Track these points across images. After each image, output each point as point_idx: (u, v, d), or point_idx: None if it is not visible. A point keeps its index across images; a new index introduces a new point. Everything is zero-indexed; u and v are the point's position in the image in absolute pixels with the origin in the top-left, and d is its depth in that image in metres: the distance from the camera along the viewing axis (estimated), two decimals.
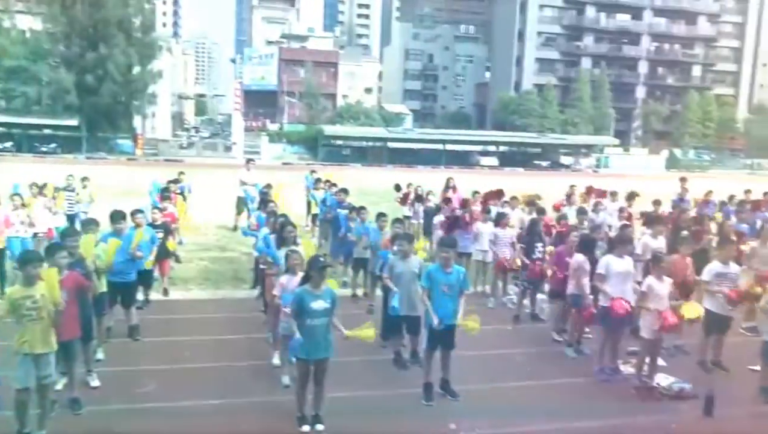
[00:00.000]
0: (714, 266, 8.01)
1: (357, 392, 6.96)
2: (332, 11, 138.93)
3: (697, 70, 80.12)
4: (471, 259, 11.32)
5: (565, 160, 65.79)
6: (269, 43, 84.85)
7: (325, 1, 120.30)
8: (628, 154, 71.11)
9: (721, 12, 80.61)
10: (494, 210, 11.94)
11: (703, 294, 8.08)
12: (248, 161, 18.72)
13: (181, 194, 14.22)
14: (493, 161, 62.22)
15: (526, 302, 10.19)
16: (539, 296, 10.17)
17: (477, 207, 12.32)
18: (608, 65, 75.72)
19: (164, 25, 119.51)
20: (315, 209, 15.09)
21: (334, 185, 15.07)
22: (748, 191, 15.95)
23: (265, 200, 11.48)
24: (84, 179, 14.74)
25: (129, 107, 54.68)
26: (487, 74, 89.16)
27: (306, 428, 6.03)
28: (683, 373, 7.57)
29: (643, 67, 78.84)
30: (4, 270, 10.12)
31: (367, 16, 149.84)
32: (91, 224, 7.70)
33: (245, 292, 10.95)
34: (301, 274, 6.40)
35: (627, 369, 7.79)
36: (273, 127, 68.75)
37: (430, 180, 18.89)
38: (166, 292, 10.54)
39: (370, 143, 62.92)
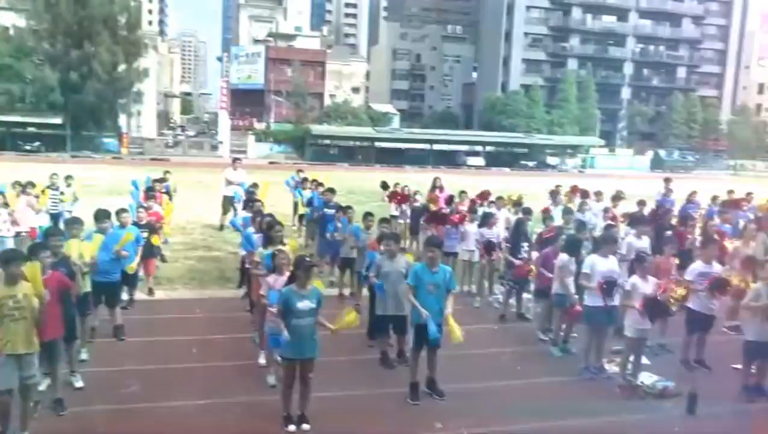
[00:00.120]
0: (697, 266, 8.09)
1: (343, 392, 6.95)
2: (320, 10, 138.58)
3: (681, 72, 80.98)
4: (457, 259, 11.35)
5: (551, 160, 66.24)
6: (256, 41, 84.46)
7: (313, 0, 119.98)
8: (613, 154, 71.70)
9: (706, 14, 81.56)
10: (480, 210, 12.00)
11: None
12: (235, 160, 18.66)
13: (167, 193, 14.13)
14: (480, 161, 62.52)
15: (512, 301, 10.24)
16: (525, 295, 10.23)
17: (464, 207, 12.36)
18: (594, 66, 76.33)
19: (150, 23, 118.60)
20: (302, 209, 15.04)
21: (321, 184, 15.05)
22: (731, 192, 16.13)
23: (251, 200, 11.42)
24: (68, 177, 14.61)
25: (114, 106, 54.24)
26: (474, 74, 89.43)
27: (292, 428, 6.02)
28: (667, 372, 7.64)
29: (628, 69, 79.53)
30: None
31: (354, 16, 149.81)
32: (75, 223, 7.62)
33: (231, 291, 10.89)
34: (287, 274, 6.39)
35: (611, 367, 7.84)
36: (260, 126, 68.51)
37: (417, 180, 18.95)
38: (151, 292, 10.47)
39: (358, 143, 62.96)
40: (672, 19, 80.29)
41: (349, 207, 11.01)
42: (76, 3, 50.62)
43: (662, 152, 72.27)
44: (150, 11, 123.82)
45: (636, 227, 10.46)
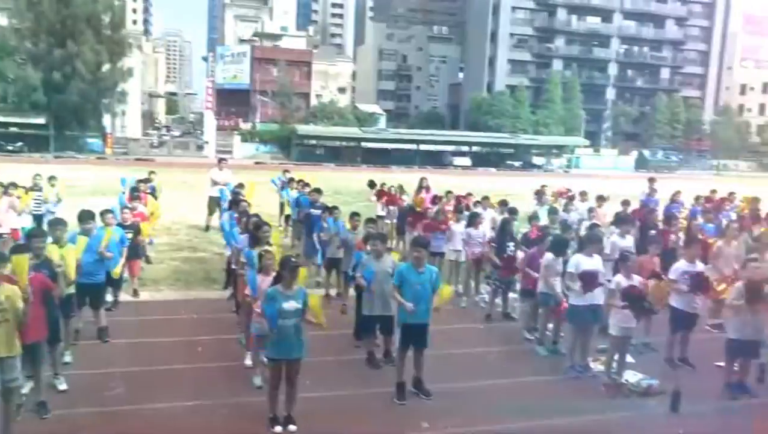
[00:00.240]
0: (680, 265, 8.17)
1: (330, 392, 6.94)
2: (306, 10, 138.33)
3: (665, 73, 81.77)
4: (444, 259, 11.37)
5: (537, 160, 66.55)
6: (242, 41, 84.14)
7: (299, 0, 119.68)
8: (598, 155, 72.21)
9: (689, 16, 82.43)
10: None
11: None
12: (220, 160, 18.56)
13: (152, 193, 14.02)
14: (466, 161, 62.67)
15: (498, 301, 10.28)
16: (511, 295, 10.27)
17: (450, 207, 12.40)
18: (579, 67, 76.83)
19: (134, 22, 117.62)
20: (288, 210, 15.00)
21: (307, 184, 15.02)
22: (713, 191, 16.30)
23: (236, 200, 11.38)
24: (51, 178, 14.45)
25: (98, 105, 53.73)
26: (461, 75, 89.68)
27: (278, 429, 6.00)
28: (651, 370, 7.71)
29: (612, 70, 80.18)
30: None
31: (340, 16, 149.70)
32: (58, 224, 7.54)
33: (217, 292, 10.83)
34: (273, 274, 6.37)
35: (596, 366, 7.90)
36: (245, 126, 68.22)
37: (403, 180, 18.93)
38: (136, 293, 10.38)
39: (344, 143, 62.86)
40: (656, 21, 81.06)
41: (335, 207, 11.01)
42: (59, 2, 50.09)
43: (646, 152, 72.91)
44: (134, 10, 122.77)
45: (620, 226, 10.54)
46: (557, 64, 77.34)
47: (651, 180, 17.13)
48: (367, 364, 7.76)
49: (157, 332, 8.86)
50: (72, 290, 7.23)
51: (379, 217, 14.54)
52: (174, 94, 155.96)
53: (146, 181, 14.64)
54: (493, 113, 70.18)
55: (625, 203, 13.50)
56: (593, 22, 79.77)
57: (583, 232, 11.02)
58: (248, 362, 7.40)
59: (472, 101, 74.13)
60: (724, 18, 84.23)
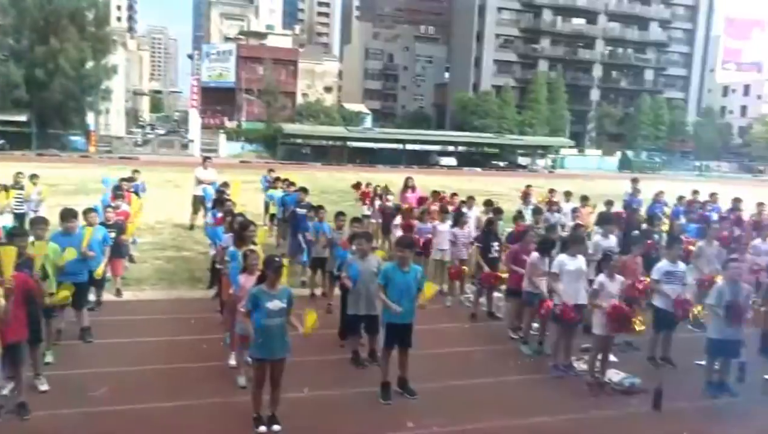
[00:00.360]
0: (663, 265, 8.26)
1: (314, 391, 6.93)
2: (292, 9, 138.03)
3: (649, 74, 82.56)
4: (429, 258, 11.39)
5: (522, 160, 66.94)
6: (227, 39, 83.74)
7: None
8: (583, 155, 72.76)
9: (672, 18, 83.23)
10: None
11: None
12: (205, 159, 18.45)
13: (135, 192, 13.91)
14: (452, 161, 62.92)
15: (483, 300, 10.32)
16: (495, 294, 10.32)
17: (435, 207, 12.43)
18: (564, 68, 77.35)
19: (119, 19, 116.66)
20: (273, 209, 14.95)
21: (293, 184, 14.98)
22: (695, 192, 16.48)
23: (221, 199, 11.31)
24: (33, 176, 14.28)
25: (81, 103, 53.26)
26: (447, 75, 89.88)
27: (263, 429, 5.97)
28: (633, 368, 7.78)
29: (597, 71, 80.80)
30: None
31: (327, 15, 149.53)
32: (40, 223, 7.46)
33: (201, 292, 10.78)
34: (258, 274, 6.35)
35: (580, 365, 7.96)
36: (231, 124, 67.96)
37: (389, 180, 18.97)
38: (119, 293, 10.29)
39: (330, 142, 62.82)
40: (640, 23, 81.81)
41: (321, 207, 10.98)
42: None
43: (630, 153, 73.63)
44: (119, 7, 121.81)
45: (603, 226, 10.62)
46: (543, 65, 77.81)
47: (634, 181, 17.30)
48: (351, 364, 7.76)
49: (141, 332, 8.79)
50: (54, 289, 7.16)
51: (365, 216, 14.54)
52: (159, 92, 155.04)
53: (130, 180, 14.53)
54: (478, 113, 70.46)
55: (609, 203, 13.61)
56: (578, 23, 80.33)
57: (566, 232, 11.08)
58: (232, 362, 7.36)
59: (458, 101, 74.35)
60: (706, 21, 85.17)
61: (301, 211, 12.01)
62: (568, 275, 7.80)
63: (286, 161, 51.83)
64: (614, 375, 7.56)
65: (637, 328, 7.40)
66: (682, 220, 13.48)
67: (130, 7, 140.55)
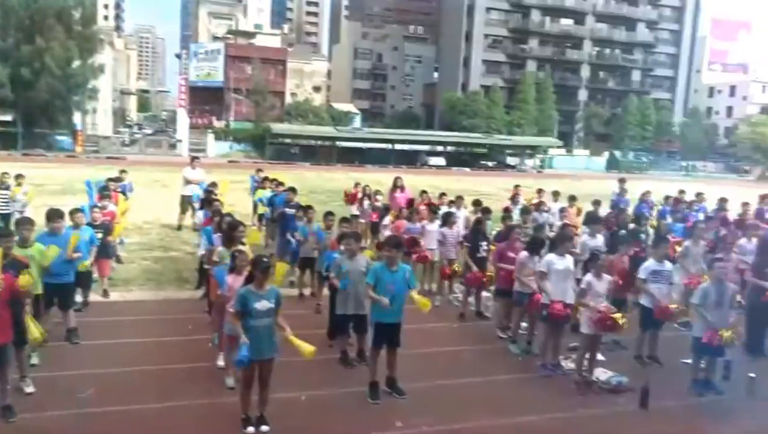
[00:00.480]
0: (649, 264, 8.33)
1: (303, 392, 6.92)
2: (280, 8, 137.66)
3: (636, 75, 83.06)
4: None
5: (510, 160, 67.17)
6: (216, 38, 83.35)
7: None
8: (571, 155, 73.13)
9: (659, 19, 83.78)
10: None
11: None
12: (193, 159, 18.37)
13: (123, 192, 13.82)
14: (441, 161, 63.02)
15: (471, 300, 10.35)
16: (484, 294, 10.36)
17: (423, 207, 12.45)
18: (552, 68, 77.63)
19: (106, 18, 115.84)
20: (261, 209, 14.91)
21: (281, 183, 14.95)
22: (681, 192, 16.60)
23: (209, 199, 11.27)
24: (18, 176, 14.16)
25: (68, 102, 52.77)
26: (436, 75, 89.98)
27: (251, 429, 5.96)
28: (621, 367, 7.84)
29: (585, 71, 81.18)
30: None
31: (315, 14, 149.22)
32: (26, 223, 7.39)
33: (189, 292, 10.73)
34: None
35: (568, 364, 8.00)
36: (219, 124, 67.65)
37: (378, 179, 18.98)
38: (106, 293, 10.22)
39: (319, 142, 62.70)
40: (627, 24, 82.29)
41: (309, 207, 10.96)
42: None
43: (617, 153, 74.10)
44: (106, 6, 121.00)
45: (590, 226, 10.68)
46: (531, 65, 78.07)
47: (621, 180, 17.43)
48: (340, 363, 7.76)
49: (128, 333, 8.74)
50: (39, 290, 7.11)
51: (354, 216, 14.52)
52: (146, 91, 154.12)
53: (117, 180, 14.43)
54: (467, 113, 70.59)
55: (596, 202, 13.70)
56: (566, 24, 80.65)
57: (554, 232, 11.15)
58: (221, 362, 7.33)
59: (447, 101, 74.45)
60: (693, 22, 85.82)
61: (289, 211, 11.99)
62: (557, 274, 7.85)
63: (275, 161, 51.68)
64: (602, 374, 7.62)
65: (621, 322, 7.44)
66: (669, 220, 13.56)
67: (118, 6, 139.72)
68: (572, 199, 14.39)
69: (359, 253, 7.73)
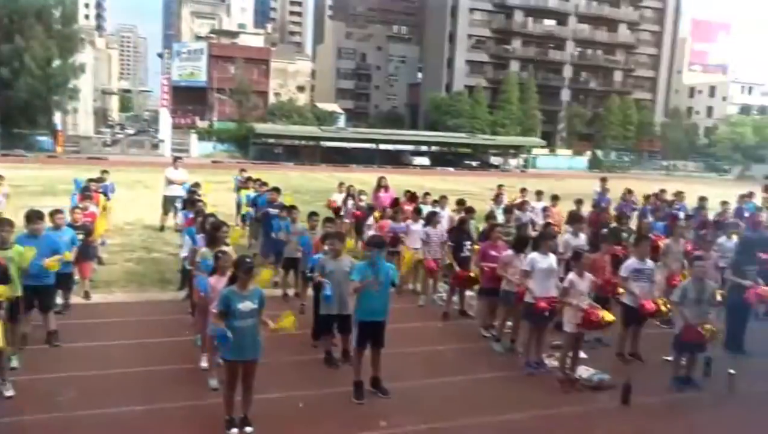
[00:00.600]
0: (631, 263, 8.41)
1: (287, 392, 6.90)
2: (264, 8, 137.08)
3: (618, 75, 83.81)
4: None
5: (494, 160, 67.49)
6: (198, 38, 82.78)
7: None
8: (554, 155, 73.65)
9: (641, 20, 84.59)
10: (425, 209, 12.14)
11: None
12: (176, 159, 18.25)
13: (104, 193, 13.69)
14: (425, 160, 63.13)
15: (455, 299, 10.38)
16: (468, 293, 10.39)
17: (408, 207, 12.48)
18: (535, 69, 78.08)
19: (87, 17, 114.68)
20: (245, 209, 14.85)
21: (265, 184, 14.89)
22: (663, 191, 16.77)
23: (192, 200, 11.19)
24: None
25: (48, 102, 52.14)
26: (420, 75, 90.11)
27: (235, 431, 5.93)
28: (603, 365, 7.91)
29: (567, 72, 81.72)
30: None
31: (299, 14, 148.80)
32: (5, 225, 7.28)
33: (172, 294, 10.65)
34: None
35: (551, 362, 8.06)
36: (202, 124, 67.22)
37: (363, 179, 18.97)
38: (87, 295, 10.11)
39: (303, 142, 62.51)
40: (609, 25, 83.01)
41: (293, 207, 10.93)
42: None
43: (600, 153, 74.75)
44: (87, 5, 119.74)
45: (573, 225, 10.76)
46: (514, 66, 78.46)
47: (603, 180, 17.57)
48: (325, 364, 7.75)
49: (110, 335, 8.64)
50: (19, 292, 7.01)
51: (338, 216, 14.50)
52: (128, 91, 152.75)
53: (99, 180, 14.30)
54: (451, 113, 70.82)
55: (579, 201, 13.81)
56: (549, 24, 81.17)
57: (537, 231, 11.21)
58: (204, 364, 7.29)
59: (431, 101, 74.64)
60: (673, 23, 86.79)
61: (273, 211, 11.95)
62: (540, 273, 7.90)
63: (259, 161, 51.45)
64: (584, 372, 7.68)
65: (608, 319, 7.50)
66: (650, 218, 13.70)
67: (99, 5, 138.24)
68: (555, 198, 14.50)
69: (344, 253, 7.72)
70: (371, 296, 6.79)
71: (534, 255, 8.10)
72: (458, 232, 10.36)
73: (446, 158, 64.20)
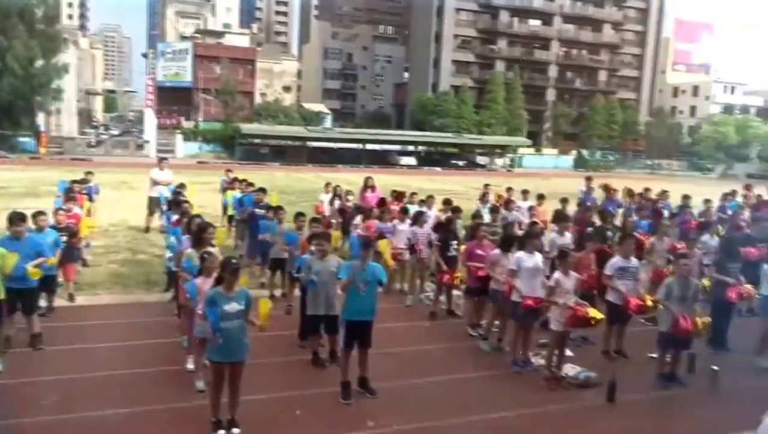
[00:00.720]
0: (616, 261, 8.48)
1: (274, 393, 6.89)
2: (249, 8, 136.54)
3: (602, 75, 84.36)
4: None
5: (480, 160, 67.70)
6: (183, 38, 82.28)
7: None
8: (539, 154, 74.03)
9: (625, 21, 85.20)
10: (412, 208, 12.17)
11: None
12: (161, 159, 18.10)
13: (89, 195, 13.57)
14: (412, 160, 63.19)
15: (443, 298, 10.41)
16: (455, 292, 10.42)
17: (395, 206, 12.49)
18: (520, 68, 78.37)
19: (70, 17, 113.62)
20: (231, 210, 14.78)
21: (251, 184, 14.84)
22: (647, 189, 16.92)
23: (177, 201, 11.12)
24: None
25: (31, 103, 51.56)
26: (406, 75, 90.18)
27: (222, 433, 5.91)
28: (588, 362, 7.97)
29: (553, 71, 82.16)
30: None
31: (285, 14, 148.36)
32: None
33: (157, 295, 10.58)
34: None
35: (538, 360, 8.11)
36: (188, 124, 66.79)
37: (349, 179, 18.95)
38: (71, 298, 10.01)
39: (289, 142, 62.30)
40: (593, 25, 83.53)
41: (279, 207, 10.90)
42: None
43: (585, 152, 75.24)
44: (70, 4, 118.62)
45: (558, 223, 10.83)
46: (500, 66, 78.70)
47: (588, 179, 17.69)
48: (312, 364, 7.73)
49: (95, 337, 8.56)
50: (2, 295, 6.94)
51: (324, 216, 14.47)
52: (112, 91, 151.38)
53: (83, 181, 14.18)
54: (438, 113, 70.90)
55: (564, 200, 13.88)
56: (534, 24, 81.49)
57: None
58: (190, 365, 7.25)
59: (417, 101, 74.69)
60: (657, 23, 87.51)
61: (259, 212, 11.91)
62: (526, 272, 7.95)
63: (245, 162, 51.22)
64: (570, 370, 7.73)
65: (597, 316, 7.55)
66: (634, 217, 13.81)
67: (82, 5, 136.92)
68: (541, 197, 14.57)
69: (330, 253, 7.71)
70: (359, 296, 6.79)
71: (520, 254, 8.14)
72: (445, 231, 10.38)
73: (433, 158, 64.32)
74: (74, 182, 13.44)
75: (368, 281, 6.83)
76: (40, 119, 55.80)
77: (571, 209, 14.02)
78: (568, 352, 8.02)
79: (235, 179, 16.07)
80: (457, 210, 11.68)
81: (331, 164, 54.20)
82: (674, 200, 16.27)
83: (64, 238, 9.11)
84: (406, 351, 8.52)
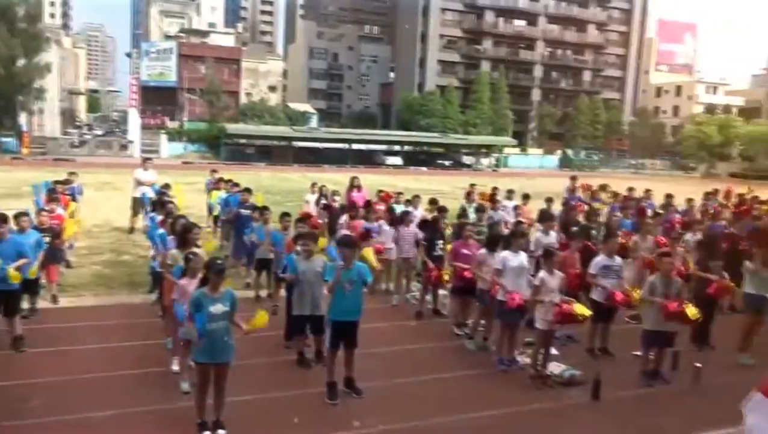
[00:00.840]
0: (600, 259, 8.54)
1: (260, 394, 6.86)
2: (234, 7, 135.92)
3: (587, 75, 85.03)
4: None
5: (466, 159, 67.93)
6: (168, 37, 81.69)
7: None
8: (525, 154, 74.41)
9: (609, 21, 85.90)
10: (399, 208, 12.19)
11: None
12: (145, 160, 17.99)
13: (72, 195, 13.43)
14: (398, 160, 63.26)
15: (429, 298, 10.42)
16: (441, 292, 10.44)
17: (381, 206, 12.49)
18: (506, 68, 78.76)
19: (52, 16, 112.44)
20: (217, 210, 14.71)
21: (237, 184, 14.78)
22: (631, 189, 17.08)
23: (162, 201, 11.04)
24: None
25: (13, 103, 51.11)
26: (392, 75, 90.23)
27: None
28: (573, 361, 8.02)
29: (538, 71, 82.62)
30: None
31: (270, 13, 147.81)
32: None
33: (142, 297, 10.51)
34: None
35: (523, 359, 8.15)
36: (173, 124, 66.37)
37: (335, 179, 18.92)
38: (55, 299, 9.92)
39: (275, 142, 62.12)
40: (578, 25, 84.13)
41: (265, 208, 10.86)
42: None
43: (570, 152, 75.76)
44: (52, 3, 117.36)
45: (543, 223, 10.88)
46: (485, 66, 79.01)
47: (573, 178, 17.82)
48: (297, 365, 7.71)
49: (79, 339, 8.48)
50: None
51: (310, 216, 14.43)
52: (96, 91, 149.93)
53: (66, 182, 14.03)
54: (423, 112, 71.03)
55: (549, 200, 13.97)
56: (519, 25, 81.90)
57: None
58: (175, 367, 7.20)
59: (403, 101, 74.80)
60: (640, 24, 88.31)
61: (245, 212, 11.86)
62: (511, 271, 7.99)
63: (230, 162, 51.02)
64: (555, 368, 7.77)
65: (584, 312, 7.61)
66: (618, 215, 13.92)
67: (65, 4, 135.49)
68: (526, 197, 14.64)
69: (316, 254, 7.69)
70: (344, 296, 6.78)
71: (505, 254, 8.17)
72: (431, 231, 10.40)
73: (419, 158, 64.44)
74: (57, 182, 13.29)
75: (354, 281, 6.83)
76: (23, 119, 55.27)
77: (557, 208, 14.11)
78: (554, 351, 8.07)
79: (221, 180, 15.99)
80: (443, 210, 11.70)
81: (317, 164, 54.13)
82: (658, 199, 16.43)
83: (47, 239, 9.02)
84: (392, 351, 8.53)
